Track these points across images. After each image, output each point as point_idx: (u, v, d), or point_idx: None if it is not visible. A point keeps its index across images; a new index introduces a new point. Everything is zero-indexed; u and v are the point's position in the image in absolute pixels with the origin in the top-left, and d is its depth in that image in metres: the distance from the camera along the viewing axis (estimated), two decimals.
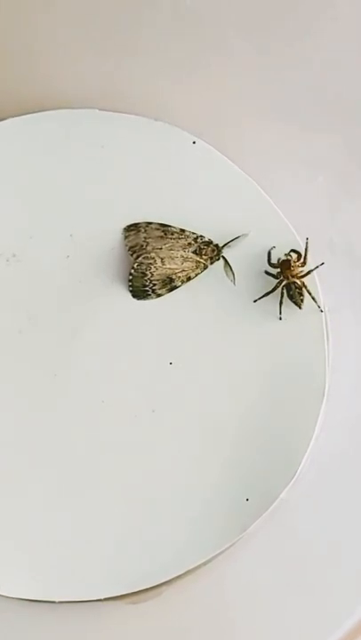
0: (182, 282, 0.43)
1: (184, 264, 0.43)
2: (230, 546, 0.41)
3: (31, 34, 0.41)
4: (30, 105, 0.43)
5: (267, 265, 0.42)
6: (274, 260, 0.42)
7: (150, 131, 0.43)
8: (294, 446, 0.42)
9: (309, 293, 0.42)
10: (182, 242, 0.43)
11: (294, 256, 0.42)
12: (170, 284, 0.43)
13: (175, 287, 0.43)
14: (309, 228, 0.43)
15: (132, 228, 0.43)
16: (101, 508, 0.41)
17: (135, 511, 0.41)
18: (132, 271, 0.42)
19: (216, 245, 0.43)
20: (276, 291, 0.42)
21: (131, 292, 0.42)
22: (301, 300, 0.42)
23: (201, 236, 0.43)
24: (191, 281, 0.43)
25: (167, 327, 0.43)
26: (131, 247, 0.43)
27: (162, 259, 0.43)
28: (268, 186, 0.44)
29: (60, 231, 0.43)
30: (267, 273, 0.42)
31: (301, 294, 0.42)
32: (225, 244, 0.43)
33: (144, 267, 0.42)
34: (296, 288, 0.42)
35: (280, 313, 0.42)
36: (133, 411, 0.42)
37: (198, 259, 0.43)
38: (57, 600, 0.40)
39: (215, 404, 0.42)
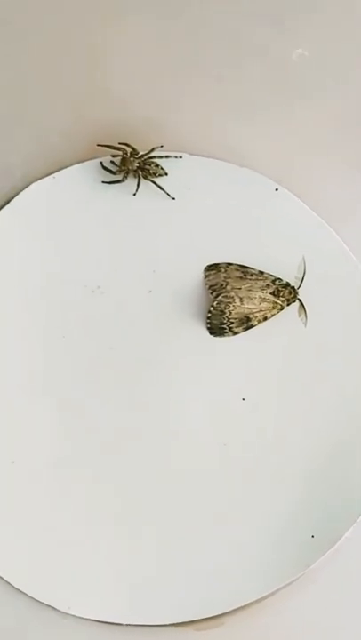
0: (259, 321, 0.44)
1: (261, 304, 0.44)
2: (294, 581, 0.42)
3: (130, 82, 0.43)
4: None
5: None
6: (113, 168, 0.45)
7: (235, 176, 0.45)
8: None
9: (157, 166, 0.45)
10: (261, 283, 0.44)
11: (129, 150, 0.44)
12: (246, 322, 0.44)
13: (251, 326, 0.44)
14: None
15: (213, 268, 0.45)
16: (171, 538, 0.42)
17: (204, 542, 0.42)
18: (211, 309, 0.44)
19: (293, 288, 0.44)
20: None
21: (208, 328, 0.44)
22: (161, 169, 0.45)
23: (279, 278, 0.44)
24: (267, 321, 0.44)
25: (241, 364, 0.44)
26: (211, 286, 0.44)
27: (240, 298, 0.44)
28: (345, 232, 0.45)
29: (144, 267, 0.45)
30: (104, 168, 0.45)
31: (157, 165, 0.45)
32: (300, 284, 0.44)
33: (223, 305, 0.44)
34: (147, 165, 0.44)
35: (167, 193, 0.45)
36: (205, 443, 0.43)
37: (275, 300, 0.44)
38: (124, 623, 0.42)
39: (285, 441, 0.44)
